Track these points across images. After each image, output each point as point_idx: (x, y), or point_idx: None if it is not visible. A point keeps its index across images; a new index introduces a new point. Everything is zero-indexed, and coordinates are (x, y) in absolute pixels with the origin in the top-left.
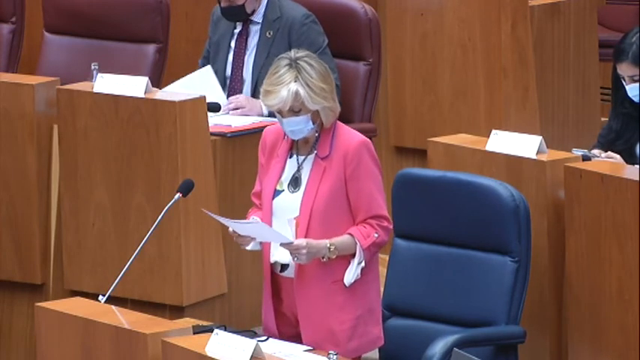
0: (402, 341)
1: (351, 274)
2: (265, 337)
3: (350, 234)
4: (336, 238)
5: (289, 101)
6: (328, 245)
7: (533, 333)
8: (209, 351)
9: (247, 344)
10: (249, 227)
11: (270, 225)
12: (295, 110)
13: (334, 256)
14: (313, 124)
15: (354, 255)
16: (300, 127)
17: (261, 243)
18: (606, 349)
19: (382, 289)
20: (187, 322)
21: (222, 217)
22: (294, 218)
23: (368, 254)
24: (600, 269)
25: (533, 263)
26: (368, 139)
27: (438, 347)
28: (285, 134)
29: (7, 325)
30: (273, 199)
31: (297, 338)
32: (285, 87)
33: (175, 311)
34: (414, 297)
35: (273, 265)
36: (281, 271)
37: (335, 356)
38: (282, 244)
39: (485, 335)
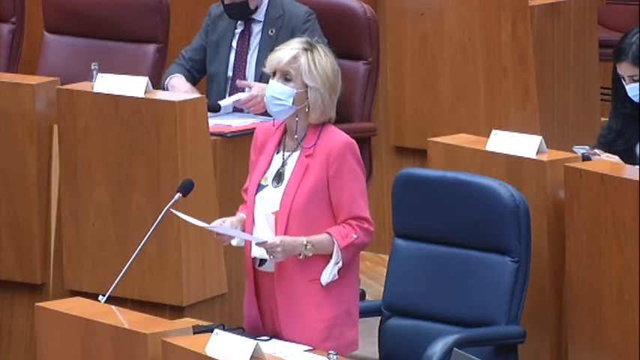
0: (402, 341)
1: (327, 273)
2: (267, 337)
3: (328, 233)
4: (314, 236)
5: (285, 60)
6: (305, 243)
7: (533, 333)
8: (209, 351)
9: (247, 344)
10: (220, 229)
11: (252, 219)
12: (287, 78)
13: (310, 254)
14: (293, 103)
15: (331, 255)
16: (280, 95)
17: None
18: (606, 349)
19: (382, 289)
20: (187, 322)
21: (192, 217)
22: (273, 213)
23: (346, 255)
24: (600, 269)
25: (533, 263)
26: (353, 140)
27: (438, 347)
28: (274, 129)
29: (7, 325)
30: (256, 193)
31: (276, 334)
32: (289, 48)
33: (175, 311)
34: (414, 297)
35: (253, 260)
36: (259, 265)
37: (335, 356)
38: (257, 244)
39: (485, 335)
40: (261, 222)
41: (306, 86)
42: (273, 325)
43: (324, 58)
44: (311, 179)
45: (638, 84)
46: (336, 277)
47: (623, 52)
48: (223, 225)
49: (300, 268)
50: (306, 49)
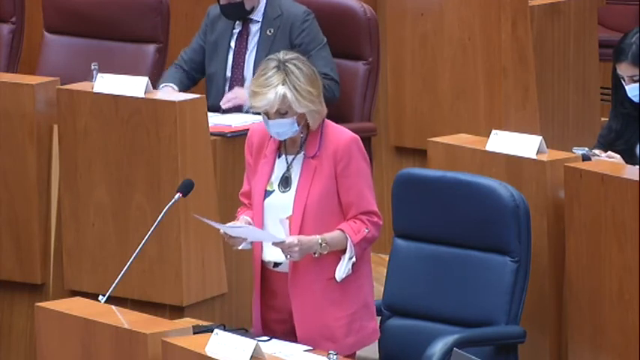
0: (402, 341)
1: (341, 269)
2: (268, 338)
3: (341, 229)
4: (328, 233)
5: (276, 104)
6: (319, 241)
7: (533, 333)
8: (209, 351)
9: (247, 344)
10: (240, 230)
11: (262, 225)
12: (282, 112)
13: (326, 252)
14: (298, 125)
15: (344, 251)
16: (285, 129)
17: (251, 242)
18: (606, 349)
19: (382, 289)
20: (187, 322)
21: (213, 221)
22: (287, 218)
23: (359, 249)
24: (600, 269)
25: (533, 263)
26: (357, 136)
27: (438, 347)
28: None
29: (7, 325)
30: (264, 199)
31: (288, 336)
32: (273, 89)
33: (175, 311)
34: (414, 297)
35: (265, 262)
36: (274, 266)
37: (335, 356)
38: (274, 244)
39: (485, 335)
40: (276, 228)
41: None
42: (287, 327)
43: (301, 78)
44: (321, 180)
45: (638, 84)
46: (350, 272)
47: (623, 52)
48: (241, 224)
49: (316, 268)
50: (284, 81)
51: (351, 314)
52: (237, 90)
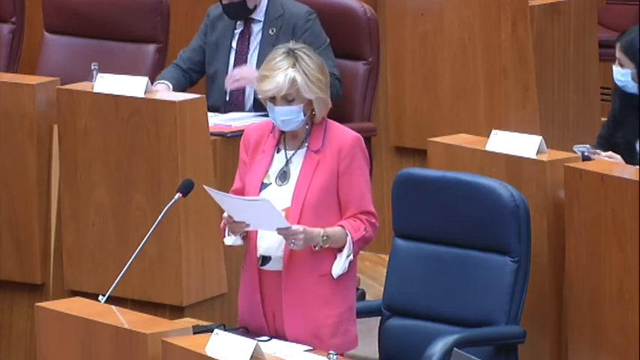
0: (402, 341)
1: (339, 266)
2: (268, 338)
3: (341, 226)
4: (329, 228)
5: (285, 87)
6: (322, 234)
7: (533, 333)
8: (209, 351)
9: (247, 344)
10: (252, 205)
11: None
12: (289, 99)
13: (326, 245)
14: (304, 115)
15: (341, 248)
16: (291, 117)
17: (244, 238)
18: (606, 349)
19: (382, 289)
20: (187, 322)
21: (224, 193)
22: (283, 209)
23: (356, 248)
24: (600, 269)
25: (533, 263)
26: (360, 135)
27: (438, 347)
28: (271, 129)
29: (7, 325)
30: (259, 192)
31: (277, 333)
32: (282, 72)
33: (175, 311)
34: (414, 297)
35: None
36: (262, 264)
37: (335, 356)
38: (278, 229)
39: (485, 335)
40: None
41: (309, 98)
42: (274, 324)
43: (310, 65)
44: (322, 175)
45: (620, 68)
46: (346, 269)
47: (623, 35)
48: (264, 201)
49: (310, 263)
50: (294, 65)
51: (340, 314)
52: (244, 68)
